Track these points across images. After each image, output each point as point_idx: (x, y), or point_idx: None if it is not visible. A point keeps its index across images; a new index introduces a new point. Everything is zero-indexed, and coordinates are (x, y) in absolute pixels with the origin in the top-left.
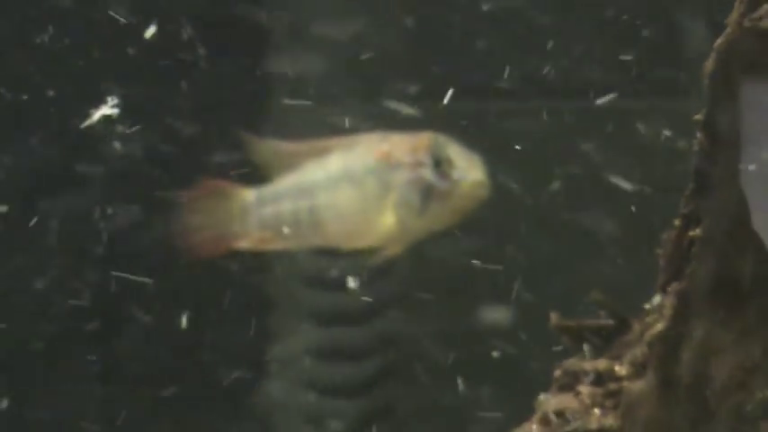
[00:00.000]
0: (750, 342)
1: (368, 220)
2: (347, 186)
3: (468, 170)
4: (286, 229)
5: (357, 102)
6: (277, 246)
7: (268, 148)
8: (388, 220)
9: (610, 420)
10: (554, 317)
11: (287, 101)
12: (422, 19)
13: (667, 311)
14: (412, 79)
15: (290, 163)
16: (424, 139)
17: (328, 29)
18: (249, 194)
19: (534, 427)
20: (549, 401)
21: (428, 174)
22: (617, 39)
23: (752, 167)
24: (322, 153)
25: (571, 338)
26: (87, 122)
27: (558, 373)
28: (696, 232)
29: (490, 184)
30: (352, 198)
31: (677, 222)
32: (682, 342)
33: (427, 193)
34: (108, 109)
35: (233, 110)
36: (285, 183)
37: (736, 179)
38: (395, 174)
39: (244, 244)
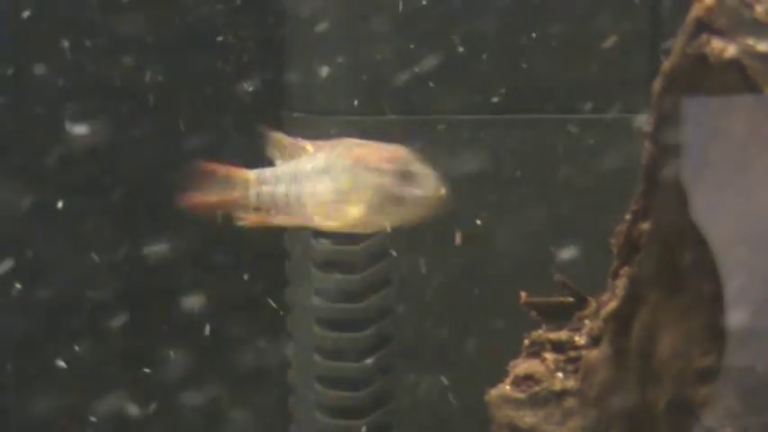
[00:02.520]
0: (690, 319)
1: (339, 209)
2: (326, 179)
3: (425, 185)
4: (277, 208)
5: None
6: (269, 220)
7: (276, 139)
8: (355, 212)
9: (571, 382)
10: (523, 295)
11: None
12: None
13: (620, 292)
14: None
15: (290, 154)
16: (391, 151)
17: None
18: (251, 174)
19: (507, 387)
20: (520, 366)
21: (391, 182)
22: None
23: (691, 172)
24: (315, 150)
25: (538, 313)
26: None
27: (526, 342)
28: (644, 226)
29: (442, 198)
30: (329, 189)
31: (628, 217)
32: (632, 318)
33: (388, 198)
34: None
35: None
36: (281, 170)
37: (678, 181)
38: (365, 175)
39: (242, 214)
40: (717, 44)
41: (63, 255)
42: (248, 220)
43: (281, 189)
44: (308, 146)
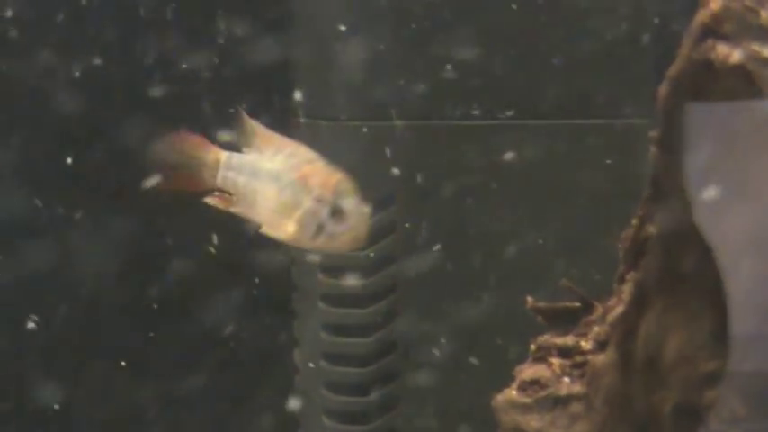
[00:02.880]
0: (696, 323)
1: (277, 220)
2: (274, 187)
3: (351, 224)
4: (237, 197)
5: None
6: (228, 206)
7: (248, 125)
8: (288, 228)
9: (577, 387)
10: (529, 300)
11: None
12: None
13: (626, 297)
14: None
15: (257, 145)
16: (333, 180)
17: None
18: (222, 155)
19: (514, 392)
20: (526, 371)
21: (322, 212)
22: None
23: (696, 177)
24: (278, 147)
25: (544, 318)
26: None
27: (533, 347)
28: (650, 231)
29: (359, 241)
30: (273, 197)
31: (635, 222)
32: (638, 323)
33: (315, 226)
34: None
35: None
36: (247, 159)
37: (683, 187)
38: (302, 196)
39: (208, 194)
40: (722, 49)
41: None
42: (211, 199)
43: (242, 179)
44: (276, 140)
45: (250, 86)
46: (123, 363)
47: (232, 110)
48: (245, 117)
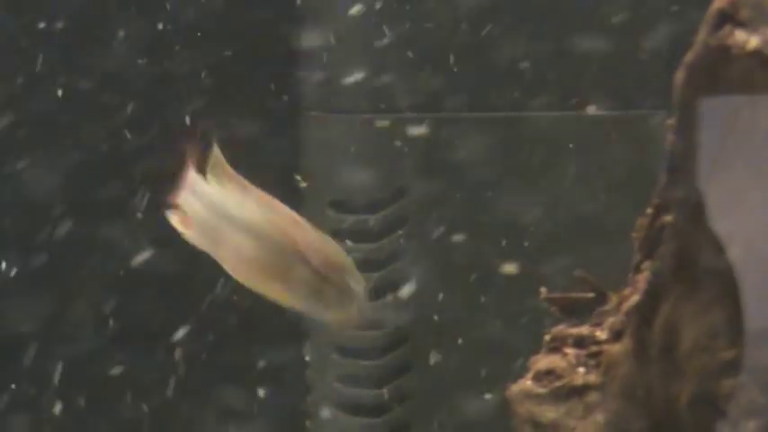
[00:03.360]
0: (713, 312)
1: (254, 276)
2: (251, 240)
3: (353, 301)
4: (199, 228)
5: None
6: (187, 233)
7: (216, 159)
8: (275, 292)
9: (593, 377)
10: (543, 290)
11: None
12: None
13: (642, 286)
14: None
15: (221, 181)
16: (331, 252)
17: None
18: (191, 175)
19: (529, 382)
20: (541, 361)
21: (322, 287)
22: None
23: (711, 167)
24: (246, 193)
25: (558, 309)
26: None
27: (547, 337)
28: (666, 220)
29: (354, 322)
30: (250, 252)
31: (650, 210)
32: (654, 312)
33: (312, 297)
34: None
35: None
36: (212, 193)
37: (698, 175)
38: (295, 263)
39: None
40: (739, 35)
41: None
42: (173, 216)
43: (205, 214)
44: (244, 183)
45: (258, 78)
46: None
47: (205, 132)
48: (216, 150)
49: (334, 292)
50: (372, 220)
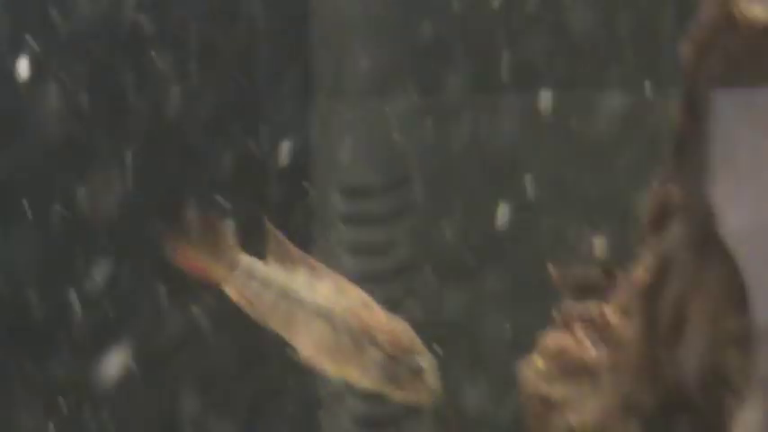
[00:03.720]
0: (721, 287)
1: (326, 359)
2: (324, 324)
3: (427, 381)
4: (261, 307)
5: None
6: (249, 310)
7: (274, 237)
8: (352, 376)
9: (602, 355)
10: (552, 269)
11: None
12: None
13: (650, 262)
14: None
15: (280, 259)
16: (402, 334)
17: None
18: (243, 259)
19: (538, 360)
20: (550, 338)
21: (397, 370)
22: None
23: (714, 147)
24: (312, 272)
25: (567, 287)
26: None
27: (556, 314)
28: (674, 196)
29: (436, 397)
30: (322, 336)
31: (657, 187)
32: (663, 288)
33: (387, 380)
34: None
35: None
36: (272, 274)
37: (706, 154)
38: (368, 347)
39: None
40: (745, 6)
41: None
42: (232, 294)
43: (269, 296)
44: (309, 261)
45: (271, 64)
46: None
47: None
48: (270, 227)
49: (406, 373)
50: (379, 204)
